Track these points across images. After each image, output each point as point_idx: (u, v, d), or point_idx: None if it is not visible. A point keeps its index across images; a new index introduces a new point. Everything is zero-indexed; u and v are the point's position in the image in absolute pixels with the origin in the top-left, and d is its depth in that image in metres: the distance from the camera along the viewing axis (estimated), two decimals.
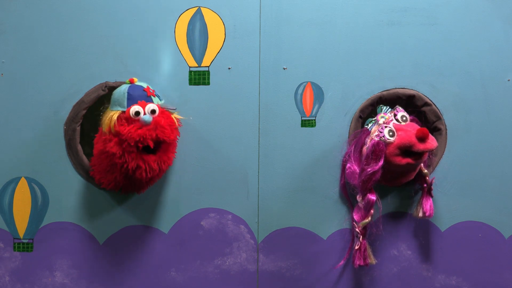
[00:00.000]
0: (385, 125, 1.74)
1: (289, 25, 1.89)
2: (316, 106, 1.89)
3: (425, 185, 1.83)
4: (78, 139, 1.88)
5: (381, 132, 1.73)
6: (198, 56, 1.89)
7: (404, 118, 1.78)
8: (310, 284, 1.89)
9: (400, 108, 1.80)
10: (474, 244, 1.88)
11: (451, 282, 1.88)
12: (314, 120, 1.89)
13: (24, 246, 1.90)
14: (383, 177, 1.75)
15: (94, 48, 1.89)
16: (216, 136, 1.89)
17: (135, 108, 1.69)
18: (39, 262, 1.89)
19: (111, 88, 1.84)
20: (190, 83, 1.89)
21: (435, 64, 1.89)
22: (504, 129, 1.88)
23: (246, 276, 1.89)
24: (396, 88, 1.89)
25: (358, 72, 1.89)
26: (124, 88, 1.75)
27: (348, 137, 1.87)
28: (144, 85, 1.77)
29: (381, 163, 1.72)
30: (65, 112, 1.89)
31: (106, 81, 1.88)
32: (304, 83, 1.89)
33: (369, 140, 1.76)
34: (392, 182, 1.83)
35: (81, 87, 1.88)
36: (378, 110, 1.81)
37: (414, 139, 1.69)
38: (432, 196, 1.84)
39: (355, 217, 1.81)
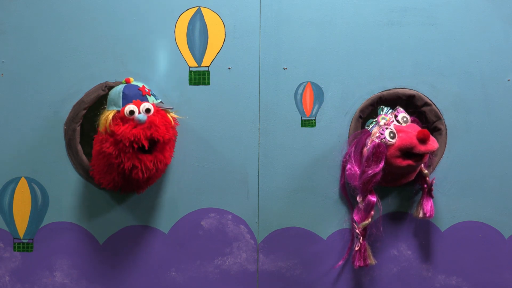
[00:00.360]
0: (386, 126, 1.74)
1: (289, 25, 1.89)
2: (316, 106, 1.89)
3: (425, 185, 1.83)
4: (78, 139, 1.88)
5: (382, 134, 1.73)
6: (198, 56, 1.89)
7: (405, 119, 1.78)
8: (310, 284, 1.89)
9: (401, 109, 1.80)
10: (474, 244, 1.88)
11: (451, 282, 1.88)
12: (314, 120, 1.89)
13: (24, 246, 1.90)
14: (384, 178, 1.75)
15: (94, 48, 1.89)
16: (216, 136, 1.89)
17: (129, 107, 1.69)
18: (39, 262, 1.89)
19: (111, 88, 1.84)
20: (190, 83, 1.89)
21: (435, 64, 1.89)
22: (504, 129, 1.88)
23: (246, 276, 1.89)
24: (396, 88, 1.89)
25: (358, 72, 1.89)
26: (119, 88, 1.75)
27: (348, 137, 1.87)
28: (140, 84, 1.77)
29: (381, 165, 1.72)
30: (65, 112, 1.89)
31: (106, 81, 1.88)
32: (304, 83, 1.89)
33: (369, 142, 1.76)
34: (392, 183, 1.83)
35: (81, 87, 1.89)
36: (379, 111, 1.80)
37: (415, 141, 1.69)
38: (432, 197, 1.84)
39: (355, 218, 1.81)
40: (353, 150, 1.82)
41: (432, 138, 1.72)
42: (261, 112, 1.89)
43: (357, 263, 1.80)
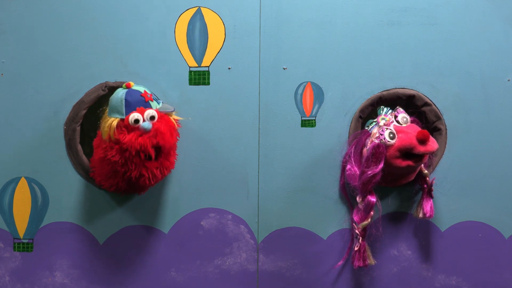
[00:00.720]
0: (385, 127, 1.74)
1: (289, 25, 1.89)
2: (316, 106, 1.89)
3: (425, 185, 1.83)
4: (78, 139, 1.88)
5: (381, 135, 1.73)
6: (198, 56, 1.89)
7: (405, 120, 1.78)
8: (310, 284, 1.89)
9: (401, 109, 1.80)
10: (474, 244, 1.88)
11: (451, 282, 1.88)
12: (314, 120, 1.89)
13: (24, 246, 1.90)
14: (383, 178, 1.75)
15: (94, 48, 1.89)
16: (216, 136, 1.89)
17: (134, 116, 1.67)
18: (39, 262, 1.89)
19: (111, 88, 1.84)
20: (190, 83, 1.89)
21: (435, 64, 1.89)
22: (504, 129, 1.88)
23: (246, 276, 1.89)
24: (396, 88, 1.89)
25: (358, 72, 1.89)
26: (121, 94, 1.71)
27: (348, 137, 1.87)
28: (141, 89, 1.74)
29: (381, 165, 1.72)
30: (65, 112, 1.88)
31: (106, 81, 1.88)
32: (304, 83, 1.89)
33: (369, 142, 1.76)
34: (392, 183, 1.83)
35: (81, 87, 1.88)
36: (379, 111, 1.80)
37: (414, 142, 1.69)
38: (432, 197, 1.84)
39: (355, 218, 1.81)
40: (352, 151, 1.82)
41: (431, 138, 1.72)
42: (261, 112, 1.89)
43: (357, 263, 1.80)
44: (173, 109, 1.80)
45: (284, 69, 1.89)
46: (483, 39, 1.88)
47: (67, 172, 1.89)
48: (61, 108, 1.89)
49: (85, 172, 1.88)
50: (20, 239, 1.90)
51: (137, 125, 1.66)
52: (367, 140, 1.78)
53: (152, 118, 1.69)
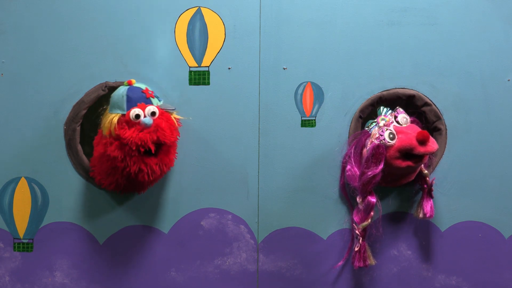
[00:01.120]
0: (385, 127, 1.74)
1: (289, 25, 1.89)
2: (316, 106, 1.89)
3: (425, 186, 1.83)
4: (78, 139, 1.88)
5: (381, 135, 1.73)
6: (198, 56, 1.89)
7: (405, 120, 1.78)
8: (310, 284, 1.89)
9: (401, 110, 1.80)
10: (474, 244, 1.88)
11: (451, 282, 1.88)
12: (314, 120, 1.89)
13: (24, 246, 1.90)
14: (383, 178, 1.75)
15: (94, 48, 1.89)
16: (216, 136, 1.89)
17: (135, 111, 1.68)
18: (39, 262, 1.89)
19: (111, 88, 1.84)
20: (190, 83, 1.89)
21: (435, 64, 1.89)
22: (504, 129, 1.88)
23: (246, 276, 1.89)
24: (396, 88, 1.89)
25: (358, 72, 1.89)
26: (122, 90, 1.73)
27: (348, 137, 1.87)
28: (143, 86, 1.77)
29: (381, 166, 1.71)
30: (65, 112, 1.89)
31: (106, 81, 1.88)
32: (304, 83, 1.89)
33: (369, 143, 1.76)
34: (392, 183, 1.83)
35: (81, 87, 1.88)
36: (379, 112, 1.80)
37: (414, 142, 1.69)
38: (432, 197, 1.84)
39: (355, 219, 1.81)
40: (352, 151, 1.82)
41: (431, 139, 1.72)
42: (261, 112, 1.89)
43: (357, 263, 1.80)
44: (173, 108, 1.80)
45: (284, 69, 1.89)
46: (483, 39, 1.88)
47: (67, 172, 1.89)
48: (61, 108, 1.89)
49: (85, 172, 1.88)
50: (20, 239, 1.90)
51: (138, 120, 1.66)
52: (367, 140, 1.78)
53: (153, 114, 1.69)
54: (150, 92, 1.76)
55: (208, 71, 1.89)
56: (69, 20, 1.89)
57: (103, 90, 1.87)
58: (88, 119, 1.90)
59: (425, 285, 1.89)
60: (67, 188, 1.89)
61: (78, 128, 1.88)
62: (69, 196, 1.89)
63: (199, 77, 1.89)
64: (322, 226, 1.89)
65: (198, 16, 1.89)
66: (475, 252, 1.88)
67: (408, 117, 1.79)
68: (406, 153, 1.71)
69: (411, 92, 1.88)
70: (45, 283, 1.90)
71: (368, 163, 1.73)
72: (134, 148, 1.63)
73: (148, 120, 1.66)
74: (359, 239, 1.80)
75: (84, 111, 1.87)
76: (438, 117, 1.88)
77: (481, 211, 1.88)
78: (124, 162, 1.66)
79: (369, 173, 1.72)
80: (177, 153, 1.84)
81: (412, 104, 1.89)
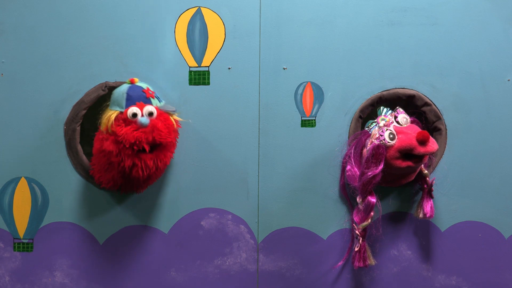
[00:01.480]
0: (385, 127, 1.74)
1: (289, 25, 1.89)
2: (316, 106, 1.89)
3: (425, 186, 1.83)
4: (78, 139, 1.88)
5: (381, 135, 1.73)
6: (198, 56, 1.89)
7: (405, 120, 1.78)
8: (310, 284, 1.89)
9: (401, 110, 1.80)
10: (474, 244, 1.88)
11: (451, 282, 1.88)
12: (314, 120, 1.89)
13: (24, 246, 1.90)
14: (384, 178, 1.75)
15: (94, 48, 1.89)
16: (216, 136, 1.89)
17: (132, 109, 1.68)
18: (39, 262, 1.89)
19: (111, 88, 1.84)
20: (190, 83, 1.89)
21: (435, 64, 1.89)
22: (504, 129, 1.88)
23: (246, 276, 1.89)
24: (396, 88, 1.89)
25: (358, 72, 1.89)
26: (124, 88, 1.74)
27: (348, 138, 1.87)
28: (144, 86, 1.77)
29: (381, 166, 1.71)
30: (65, 112, 1.89)
31: (106, 81, 1.88)
32: (304, 83, 1.89)
33: (369, 143, 1.76)
34: (392, 183, 1.83)
35: (81, 87, 1.89)
36: (379, 112, 1.80)
37: (414, 142, 1.69)
38: (432, 197, 1.84)
39: (355, 219, 1.81)
40: (352, 151, 1.82)
41: (431, 139, 1.72)
42: (261, 112, 1.89)
43: (357, 264, 1.80)
44: (174, 109, 1.80)
45: (284, 69, 1.89)
46: (483, 39, 1.88)
47: (67, 172, 1.89)
48: (61, 108, 1.89)
49: (85, 172, 1.88)
50: (20, 239, 1.90)
51: (134, 119, 1.67)
52: (367, 140, 1.78)
53: (150, 114, 1.70)
54: (151, 92, 1.76)
55: (208, 71, 1.89)
56: (69, 20, 1.89)
57: (103, 90, 1.87)
58: (88, 119, 1.90)
59: (425, 285, 1.89)
60: (67, 188, 1.89)
61: (78, 128, 1.88)
62: (69, 196, 1.89)
63: (199, 77, 1.89)
64: (322, 226, 1.89)
65: (198, 16, 1.89)
66: (475, 252, 1.88)
67: (408, 117, 1.79)
68: (406, 153, 1.71)
69: (411, 92, 1.88)
70: (45, 283, 1.90)
71: (368, 163, 1.73)
72: (128, 146, 1.63)
73: (145, 120, 1.66)
74: (359, 239, 1.80)
75: (84, 111, 1.87)
76: (438, 117, 1.88)
77: (481, 211, 1.88)
78: (118, 157, 1.66)
79: (369, 173, 1.72)
80: (175, 152, 1.84)
81: (412, 104, 1.89)
